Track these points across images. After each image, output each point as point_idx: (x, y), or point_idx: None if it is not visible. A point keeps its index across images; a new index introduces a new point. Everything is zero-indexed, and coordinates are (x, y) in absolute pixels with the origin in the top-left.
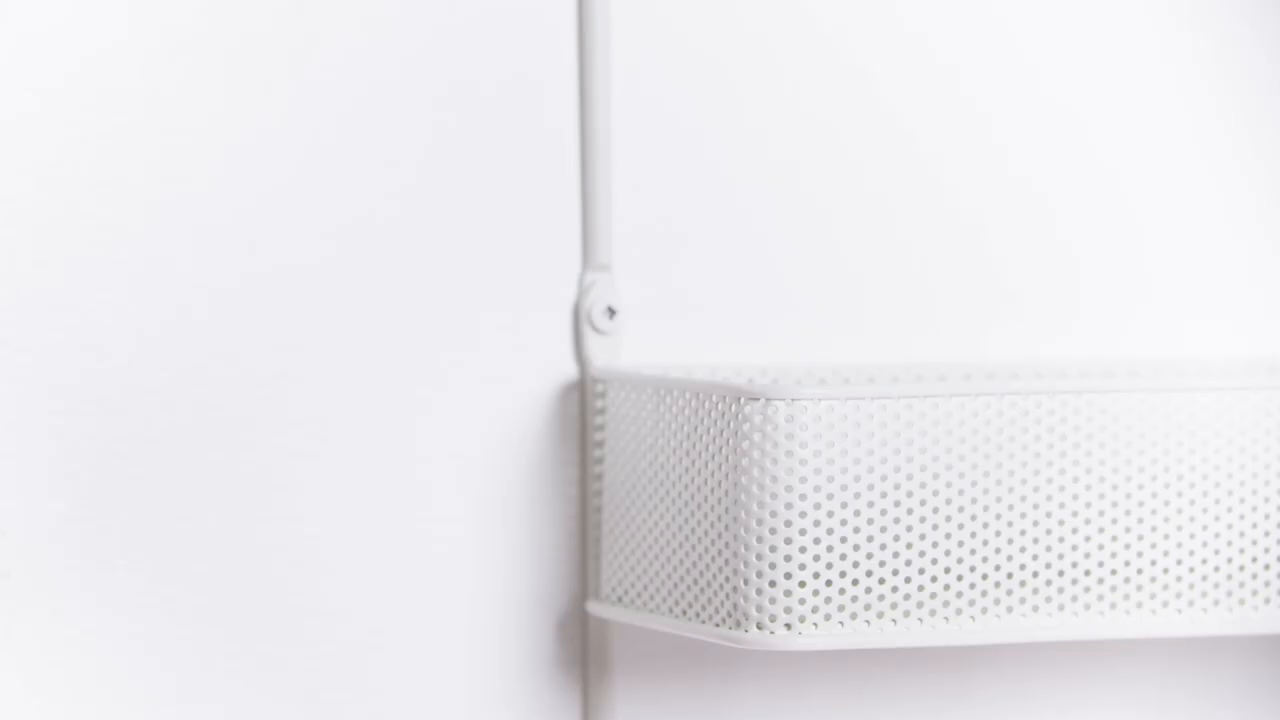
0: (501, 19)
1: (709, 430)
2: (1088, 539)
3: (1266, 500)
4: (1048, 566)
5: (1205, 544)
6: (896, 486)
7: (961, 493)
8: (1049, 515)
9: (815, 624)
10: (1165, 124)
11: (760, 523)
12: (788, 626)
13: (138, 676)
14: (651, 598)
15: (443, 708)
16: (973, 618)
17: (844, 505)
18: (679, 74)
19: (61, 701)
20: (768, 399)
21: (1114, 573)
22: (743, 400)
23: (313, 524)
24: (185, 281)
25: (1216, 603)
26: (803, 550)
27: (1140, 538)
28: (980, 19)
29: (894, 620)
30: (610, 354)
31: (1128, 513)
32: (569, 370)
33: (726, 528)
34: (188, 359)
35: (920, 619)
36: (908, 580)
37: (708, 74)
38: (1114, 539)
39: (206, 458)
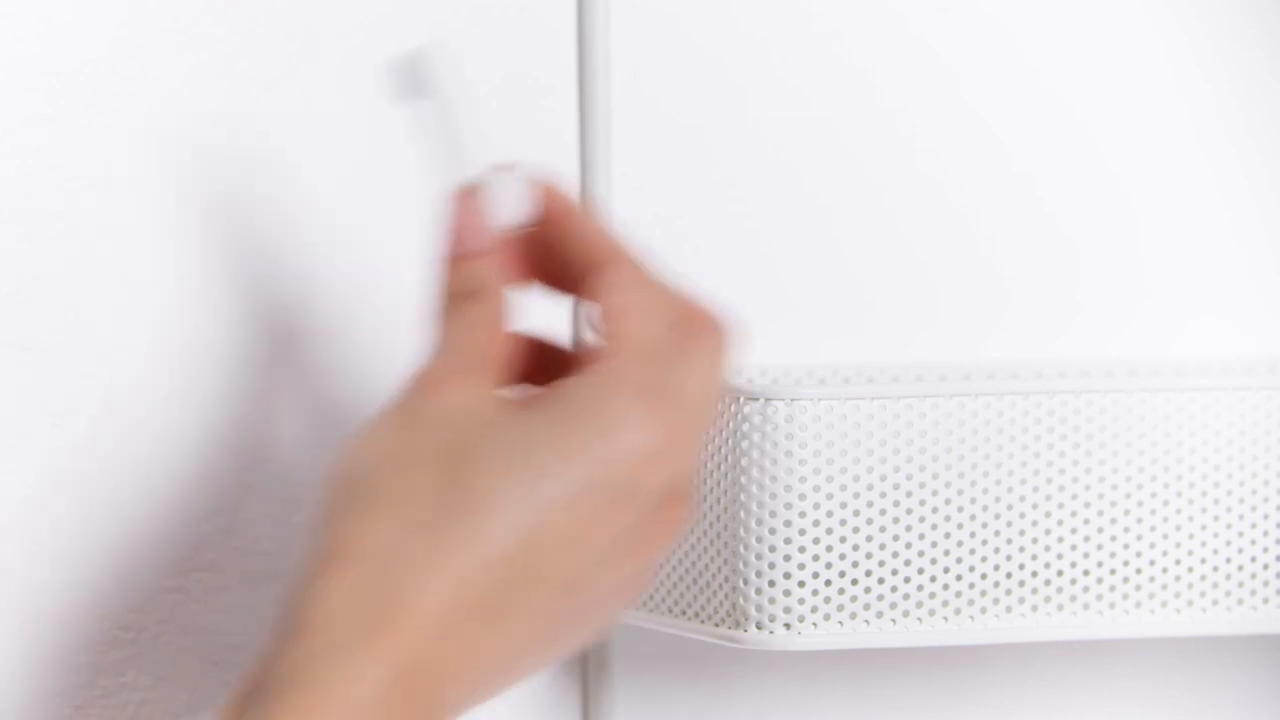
0: (501, 19)
1: (709, 430)
2: (1088, 539)
3: (1266, 500)
4: (1047, 566)
5: (1205, 544)
6: (896, 486)
7: (961, 493)
8: (1049, 515)
9: (815, 624)
10: (1165, 124)
11: (760, 523)
12: (787, 626)
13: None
14: (650, 597)
15: None
16: (972, 618)
17: (844, 505)
18: (679, 74)
19: (62, 700)
20: (767, 399)
21: (1114, 573)
22: (743, 400)
23: None
24: (185, 281)
25: (1216, 603)
26: (803, 550)
27: (1140, 538)
28: (981, 19)
29: (894, 620)
30: None
31: (1127, 513)
32: None
33: (726, 527)
34: (187, 358)
35: (920, 619)
36: (908, 580)
37: (708, 74)
38: (1114, 539)
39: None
